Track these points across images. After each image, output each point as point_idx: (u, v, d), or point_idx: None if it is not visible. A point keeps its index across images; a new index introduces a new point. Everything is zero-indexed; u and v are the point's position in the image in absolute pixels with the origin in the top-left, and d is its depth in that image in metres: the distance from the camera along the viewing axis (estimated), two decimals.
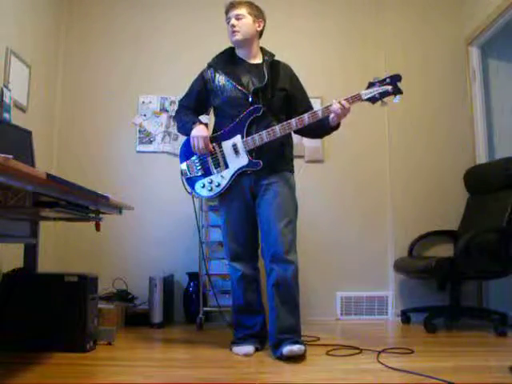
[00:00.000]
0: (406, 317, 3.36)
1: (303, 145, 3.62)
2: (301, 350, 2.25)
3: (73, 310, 2.41)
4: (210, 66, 2.56)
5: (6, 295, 2.44)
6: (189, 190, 2.55)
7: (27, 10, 3.20)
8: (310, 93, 2.61)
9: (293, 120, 2.35)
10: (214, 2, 3.72)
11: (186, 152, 2.53)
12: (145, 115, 3.70)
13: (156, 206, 3.60)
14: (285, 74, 2.53)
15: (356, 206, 3.67)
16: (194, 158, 2.50)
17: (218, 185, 2.45)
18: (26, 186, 1.65)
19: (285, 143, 2.48)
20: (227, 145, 2.43)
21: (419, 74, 3.74)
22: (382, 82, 2.30)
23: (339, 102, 2.29)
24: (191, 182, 2.52)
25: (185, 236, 3.51)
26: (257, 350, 2.44)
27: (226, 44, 2.60)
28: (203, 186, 2.48)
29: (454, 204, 3.57)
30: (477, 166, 3.57)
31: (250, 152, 2.39)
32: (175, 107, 3.65)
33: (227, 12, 2.51)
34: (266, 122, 2.39)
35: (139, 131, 3.69)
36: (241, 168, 2.40)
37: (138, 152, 3.68)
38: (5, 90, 2.83)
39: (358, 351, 2.43)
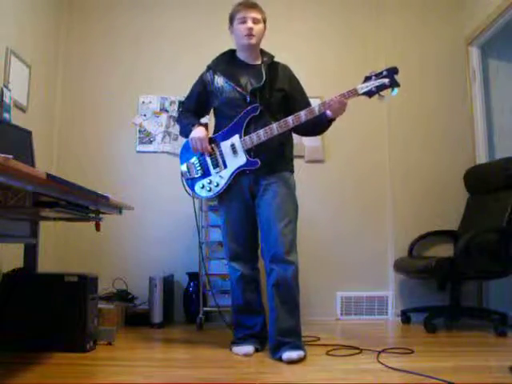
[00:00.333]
0: (405, 317, 3.36)
1: (303, 145, 3.62)
2: (300, 357, 2.24)
3: (73, 310, 2.41)
4: (209, 68, 2.57)
5: (6, 295, 2.45)
6: (189, 191, 2.56)
7: (27, 10, 3.20)
8: (309, 93, 2.61)
9: (289, 117, 2.34)
10: (215, 4, 3.76)
11: (186, 153, 2.55)
12: (145, 115, 3.70)
13: (156, 206, 3.60)
14: (283, 75, 2.53)
15: (356, 206, 3.67)
16: (193, 159, 2.51)
17: (217, 185, 2.46)
18: (26, 186, 1.66)
19: (285, 143, 2.49)
20: (226, 145, 2.43)
21: (419, 74, 3.73)
22: (379, 76, 2.28)
23: (335, 98, 2.29)
24: (191, 182, 2.53)
25: (185, 236, 3.51)
26: (257, 350, 2.44)
27: (225, 45, 2.61)
28: (202, 187, 2.49)
29: (454, 204, 3.57)
30: (477, 165, 3.57)
31: (248, 151, 2.39)
32: (175, 107, 3.67)
33: (242, 11, 2.45)
34: (264, 121, 2.39)
35: (139, 131, 3.69)
36: (239, 167, 2.41)
37: (138, 152, 3.68)
38: (5, 90, 2.83)
39: (358, 351, 2.43)
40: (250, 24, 2.44)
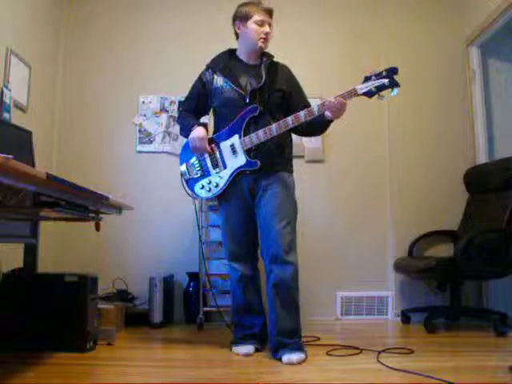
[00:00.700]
0: (405, 317, 3.36)
1: (303, 145, 3.62)
2: (300, 359, 2.24)
3: (73, 309, 2.41)
4: (208, 67, 2.56)
5: (6, 295, 2.44)
6: (189, 192, 2.56)
7: (27, 10, 3.20)
8: (308, 93, 2.61)
9: (289, 118, 2.34)
10: (215, 4, 3.76)
11: (186, 154, 2.55)
12: (145, 115, 3.70)
13: (156, 205, 3.60)
14: (283, 75, 2.53)
15: (356, 206, 3.67)
16: (193, 159, 2.52)
17: (217, 185, 2.46)
18: (26, 186, 1.66)
19: (284, 144, 2.48)
20: (225, 145, 2.43)
21: (419, 74, 3.73)
22: (378, 76, 2.26)
23: (334, 99, 2.27)
24: (191, 183, 2.53)
25: (185, 236, 3.51)
26: (257, 350, 2.44)
27: (225, 44, 2.60)
28: (202, 187, 2.49)
29: (454, 204, 3.56)
30: (477, 166, 3.57)
31: (248, 152, 2.39)
32: (175, 107, 3.67)
33: (262, 14, 2.42)
34: (263, 121, 2.39)
35: (139, 131, 3.69)
36: (239, 168, 2.40)
37: (138, 152, 3.68)
38: (5, 89, 2.83)
39: (357, 351, 2.43)
40: (268, 29, 2.45)
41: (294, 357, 2.23)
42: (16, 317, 2.42)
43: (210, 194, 2.49)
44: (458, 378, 1.91)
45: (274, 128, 2.34)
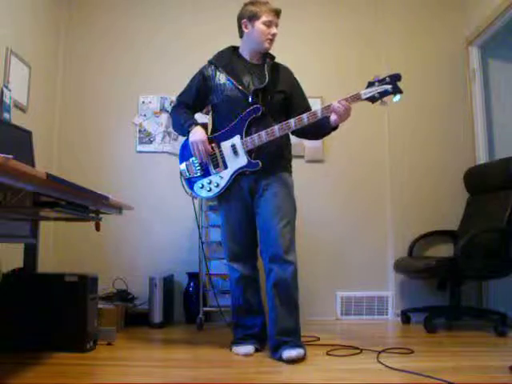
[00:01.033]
0: (406, 317, 3.36)
1: (303, 145, 3.62)
2: (299, 355, 2.24)
3: (73, 309, 2.41)
4: (210, 63, 2.53)
5: (6, 295, 2.44)
6: (188, 190, 2.55)
7: (27, 10, 3.20)
8: (309, 93, 2.61)
9: (292, 120, 2.33)
10: (215, 3, 3.76)
11: (185, 153, 2.52)
12: (145, 115, 3.70)
13: (156, 205, 3.60)
14: (285, 77, 2.53)
15: (356, 206, 3.67)
16: (193, 158, 2.50)
17: (217, 185, 2.45)
18: (26, 186, 1.66)
19: (283, 144, 2.48)
20: (226, 145, 2.42)
21: (419, 74, 3.73)
22: (382, 82, 2.28)
23: (339, 102, 2.28)
24: (190, 182, 2.52)
25: (185, 236, 3.52)
26: (257, 350, 2.44)
27: (225, 44, 2.60)
28: (202, 187, 2.48)
29: (454, 204, 3.56)
30: (477, 166, 3.57)
31: (249, 153, 2.39)
32: None
33: (270, 15, 2.42)
34: (265, 123, 2.38)
35: (139, 131, 3.69)
36: (240, 168, 2.40)
37: (138, 152, 3.68)
38: (5, 89, 2.83)
39: (358, 351, 2.43)
40: (275, 30, 2.44)
41: (294, 352, 2.23)
42: (16, 317, 2.42)
43: (210, 194, 2.48)
44: (458, 378, 1.91)
45: (277, 130, 2.33)
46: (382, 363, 2.19)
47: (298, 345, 2.31)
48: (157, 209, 3.60)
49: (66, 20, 3.77)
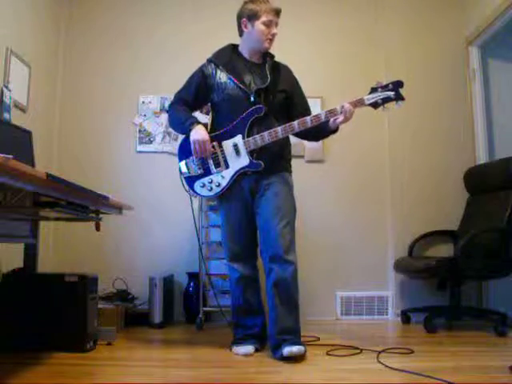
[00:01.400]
0: (406, 317, 3.36)
1: (303, 145, 3.61)
2: (300, 351, 2.25)
3: (73, 309, 2.41)
4: (210, 61, 2.52)
5: (6, 295, 2.44)
6: (188, 189, 2.53)
7: (27, 10, 3.20)
8: (310, 93, 2.61)
9: (295, 122, 2.34)
10: (214, 2, 3.76)
11: (185, 150, 2.48)
12: (145, 115, 3.70)
13: (156, 205, 3.60)
14: (285, 76, 2.52)
15: (356, 206, 3.67)
16: (193, 156, 2.46)
17: (218, 185, 2.44)
18: (26, 186, 1.66)
19: (283, 144, 2.48)
20: (228, 145, 2.41)
21: (419, 74, 3.73)
22: (384, 88, 2.31)
23: (343, 106, 2.29)
24: (190, 180, 2.49)
25: (185, 236, 3.51)
26: (257, 350, 2.44)
27: (225, 42, 2.59)
28: (203, 186, 2.47)
29: (454, 204, 3.56)
30: (477, 166, 3.57)
31: (250, 153, 2.38)
32: None
33: (270, 15, 2.40)
34: (267, 122, 2.38)
35: (139, 131, 3.69)
36: (242, 168, 2.39)
37: (138, 152, 3.68)
38: (5, 89, 2.83)
39: (358, 351, 2.43)
40: (275, 30, 2.43)
41: (295, 348, 2.23)
42: (16, 317, 2.42)
43: (211, 194, 2.47)
44: (457, 378, 1.91)
45: (280, 131, 2.33)
46: (382, 363, 2.19)
47: (299, 342, 2.31)
48: (157, 209, 3.60)
49: (66, 18, 3.77)
